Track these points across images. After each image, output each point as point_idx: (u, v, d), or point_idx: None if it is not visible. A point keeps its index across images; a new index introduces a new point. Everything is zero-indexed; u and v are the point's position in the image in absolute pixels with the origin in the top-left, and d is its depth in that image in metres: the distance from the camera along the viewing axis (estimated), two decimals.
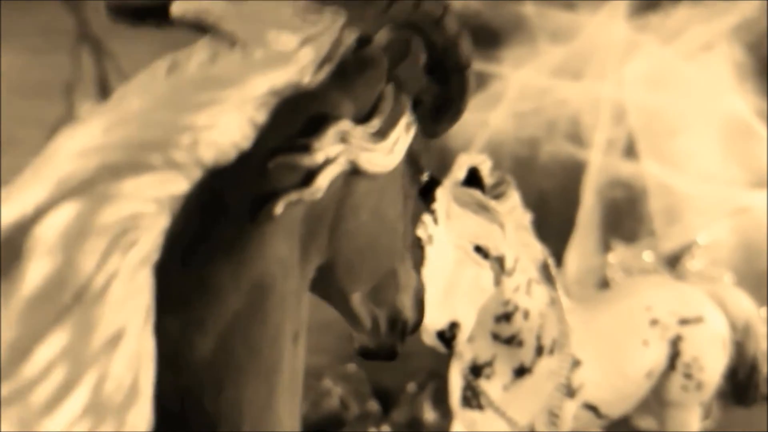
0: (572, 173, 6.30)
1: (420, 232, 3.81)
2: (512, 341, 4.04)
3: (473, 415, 4.09)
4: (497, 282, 3.92)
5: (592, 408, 4.23)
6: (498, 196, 3.96)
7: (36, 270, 1.04)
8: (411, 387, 6.22)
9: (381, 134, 1.34)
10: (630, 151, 6.28)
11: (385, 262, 1.46)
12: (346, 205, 1.34)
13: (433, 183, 3.88)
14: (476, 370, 4.07)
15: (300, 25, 1.27)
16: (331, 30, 1.28)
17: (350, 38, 1.31)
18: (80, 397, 1.03)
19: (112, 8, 1.39)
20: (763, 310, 5.06)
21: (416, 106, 1.44)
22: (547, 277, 4.16)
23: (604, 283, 5.17)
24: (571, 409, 4.14)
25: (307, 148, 1.25)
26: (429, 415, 6.11)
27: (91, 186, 1.10)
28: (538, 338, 4.06)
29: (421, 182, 1.52)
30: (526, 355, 4.05)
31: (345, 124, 1.29)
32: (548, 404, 4.08)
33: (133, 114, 1.18)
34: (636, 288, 4.72)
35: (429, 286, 3.78)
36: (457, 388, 4.14)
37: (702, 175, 6.04)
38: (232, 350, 1.22)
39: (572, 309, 4.21)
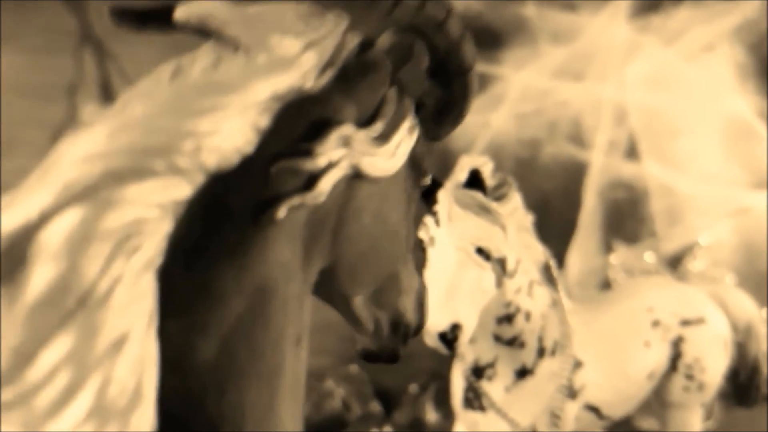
0: (574, 174, 6.30)
1: (422, 234, 3.81)
2: (514, 343, 4.04)
3: (475, 416, 4.10)
4: (499, 283, 3.92)
5: (593, 409, 4.24)
6: (499, 198, 3.97)
7: (40, 275, 1.05)
8: (413, 388, 6.22)
9: (383, 138, 1.34)
10: (631, 152, 6.28)
11: (387, 266, 1.46)
12: (349, 209, 1.34)
13: (435, 185, 3.90)
14: (478, 372, 4.07)
15: (303, 30, 1.28)
16: (333, 34, 1.29)
17: (353, 42, 1.31)
18: (84, 400, 1.04)
19: (115, 12, 1.39)
20: (765, 310, 5.06)
21: (419, 110, 1.44)
22: (549, 278, 4.16)
23: (606, 284, 5.17)
24: (572, 410, 4.15)
25: (309, 153, 1.25)
26: (431, 416, 6.12)
27: (95, 191, 1.10)
28: (540, 340, 4.06)
29: (424, 186, 1.52)
30: (527, 356, 4.06)
31: (347, 129, 1.29)
32: (550, 405, 4.09)
33: (137, 120, 1.19)
34: (637, 289, 4.72)
35: (431, 288, 3.79)
36: (458, 390, 4.14)
37: (703, 176, 6.04)
38: (235, 353, 1.23)
39: (574, 310, 4.21)
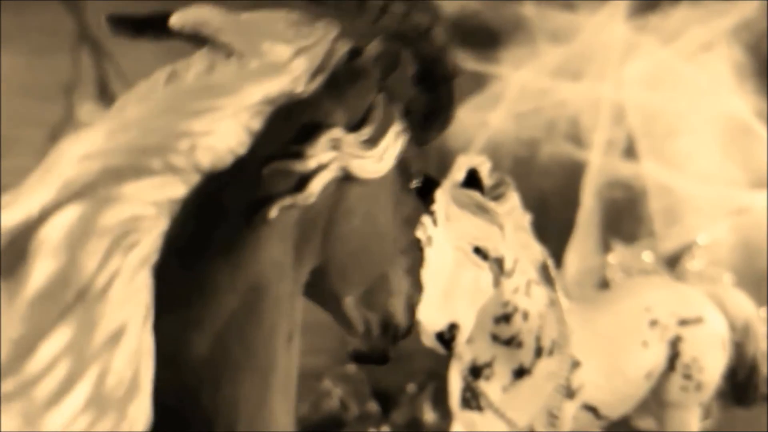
0: (572, 174, 6.30)
1: (419, 234, 3.80)
2: (511, 342, 4.04)
3: (473, 416, 4.10)
4: (496, 283, 3.92)
5: (591, 409, 4.24)
6: (497, 198, 3.96)
7: (40, 269, 1.10)
8: (411, 388, 6.23)
9: (372, 142, 1.39)
10: (629, 151, 6.28)
11: (376, 267, 1.50)
12: (339, 210, 1.38)
13: (432, 184, 3.89)
14: (476, 372, 4.07)
15: (293, 37, 1.33)
16: (323, 42, 1.35)
17: (342, 50, 1.37)
18: (82, 391, 1.08)
19: (112, 20, 1.44)
20: (763, 310, 5.06)
21: (406, 115, 1.48)
22: (547, 278, 4.16)
23: (604, 284, 5.17)
24: (570, 410, 4.14)
25: (300, 155, 1.30)
26: (428, 415, 6.12)
27: (94, 189, 1.15)
28: (538, 339, 4.06)
29: (413, 189, 1.56)
30: (525, 356, 4.06)
31: (337, 132, 1.34)
32: (548, 405, 4.08)
33: (134, 120, 1.24)
34: (635, 289, 4.73)
35: (428, 288, 3.79)
36: (456, 390, 4.14)
37: (701, 176, 6.04)
38: (229, 349, 1.27)
39: (572, 310, 4.21)
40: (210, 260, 1.26)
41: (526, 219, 4.11)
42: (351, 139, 1.35)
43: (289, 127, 1.31)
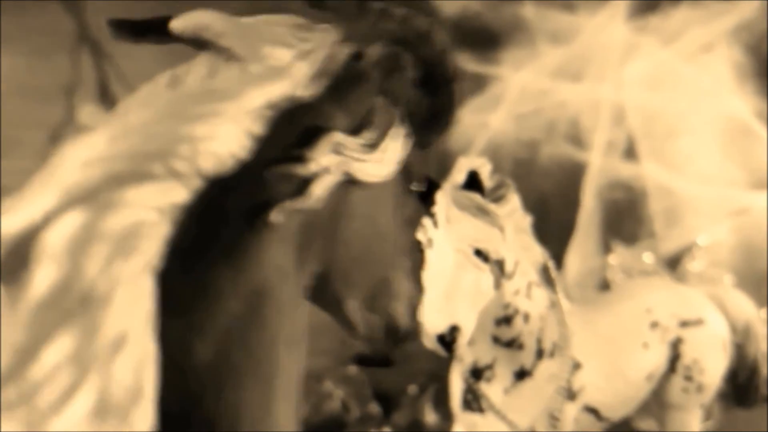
0: (572, 175, 6.30)
1: (420, 236, 3.80)
2: (512, 344, 4.04)
3: (474, 418, 4.09)
4: (497, 285, 3.92)
5: (592, 411, 4.23)
6: (498, 200, 3.96)
7: (43, 275, 1.09)
8: (412, 389, 6.22)
9: (373, 145, 1.39)
10: (630, 152, 6.28)
11: (379, 270, 1.50)
12: (341, 214, 1.38)
13: (433, 186, 3.89)
14: (477, 374, 4.07)
15: (294, 42, 1.34)
16: (324, 46, 1.35)
17: (343, 53, 1.37)
18: (85, 398, 1.08)
19: (113, 25, 1.44)
20: (764, 311, 5.06)
21: (407, 118, 1.48)
22: (548, 279, 4.16)
23: (605, 285, 5.17)
24: (571, 411, 4.14)
25: (302, 159, 1.30)
26: (430, 417, 6.11)
27: (96, 195, 1.15)
28: (539, 341, 4.06)
29: (414, 192, 1.57)
30: (526, 358, 4.06)
31: (338, 136, 1.34)
32: (549, 407, 4.08)
33: (136, 125, 1.24)
34: (636, 290, 4.72)
35: (429, 290, 3.80)
36: (457, 391, 4.14)
37: (702, 177, 6.04)
38: (232, 354, 1.27)
39: (572, 311, 4.21)
40: (212, 265, 1.27)
41: (526, 221, 4.11)
42: (352, 143, 1.35)
43: (291, 131, 1.31)
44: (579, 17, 6.22)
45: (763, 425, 5.09)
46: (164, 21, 1.39)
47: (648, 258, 5.27)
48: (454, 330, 3.80)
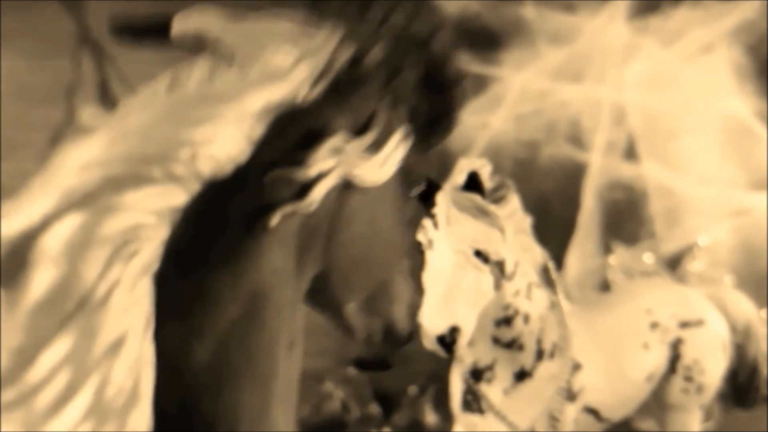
0: (573, 175, 6.29)
1: (420, 237, 3.81)
2: (513, 345, 4.04)
3: (474, 418, 4.10)
4: (497, 286, 3.92)
5: (592, 411, 4.24)
6: (498, 201, 3.97)
7: (41, 278, 1.10)
8: (412, 390, 6.22)
9: (375, 148, 1.38)
10: (630, 153, 6.27)
11: (378, 273, 1.50)
12: (341, 217, 1.38)
13: (434, 187, 3.90)
14: (477, 374, 4.07)
15: (295, 44, 1.33)
16: (325, 48, 1.34)
17: (345, 55, 1.35)
18: (83, 400, 1.08)
19: (116, 28, 1.44)
20: (764, 311, 5.06)
21: (409, 121, 1.47)
22: (548, 280, 4.16)
23: (605, 286, 5.16)
24: (571, 412, 4.15)
25: (302, 162, 1.30)
26: (430, 418, 6.11)
27: (95, 198, 1.15)
28: (539, 342, 4.06)
29: (415, 195, 1.56)
30: (526, 359, 4.06)
31: (339, 139, 1.33)
32: (549, 408, 4.09)
33: (135, 129, 1.24)
34: (636, 291, 4.73)
35: (429, 291, 3.81)
36: (457, 392, 4.14)
37: (702, 177, 6.03)
38: (230, 356, 1.28)
39: (572, 312, 4.21)
40: (211, 268, 1.27)
41: (526, 222, 4.12)
42: (353, 146, 1.35)
43: (291, 135, 1.31)
44: (579, 18, 6.21)
45: (763, 425, 5.09)
46: (165, 24, 1.39)
47: (648, 258, 5.26)
48: (454, 331, 3.80)
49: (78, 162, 1.19)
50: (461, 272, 3.82)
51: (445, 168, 4.10)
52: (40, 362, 1.07)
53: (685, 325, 4.50)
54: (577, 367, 4.15)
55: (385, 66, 1.41)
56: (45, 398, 1.06)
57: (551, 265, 4.24)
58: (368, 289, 1.50)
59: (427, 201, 3.83)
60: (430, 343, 3.83)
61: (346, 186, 1.37)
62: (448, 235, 3.79)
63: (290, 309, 1.35)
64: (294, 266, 1.34)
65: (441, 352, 3.90)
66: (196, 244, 1.26)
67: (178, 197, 1.21)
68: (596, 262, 5.74)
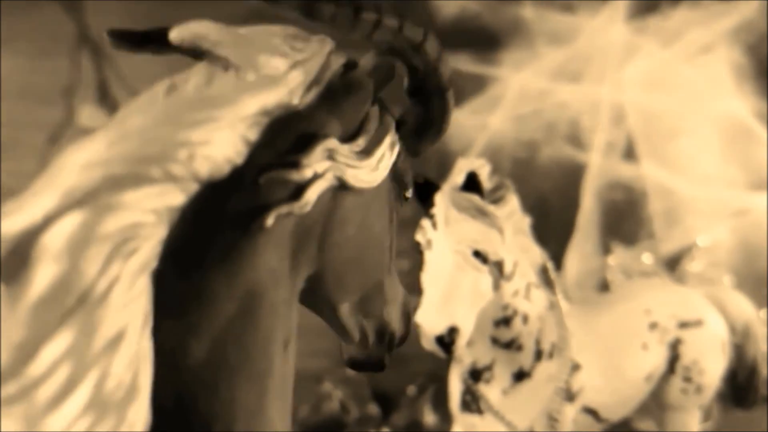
0: (572, 175, 6.30)
1: (419, 237, 3.82)
2: (511, 345, 4.04)
3: (473, 419, 4.10)
4: (496, 286, 3.92)
5: (591, 412, 4.24)
6: (497, 201, 3.97)
7: (43, 275, 1.12)
8: (411, 390, 6.23)
9: (366, 152, 1.42)
10: (629, 153, 6.28)
11: (372, 274, 1.53)
12: (334, 219, 1.42)
13: (432, 188, 3.91)
14: (476, 375, 4.07)
15: (290, 51, 1.37)
16: (319, 55, 1.38)
17: (337, 63, 1.41)
18: (83, 394, 1.11)
19: (114, 36, 1.46)
20: (763, 312, 5.06)
21: (400, 127, 1.52)
22: (546, 281, 4.16)
23: (604, 286, 5.17)
24: (570, 413, 4.15)
25: (296, 165, 1.33)
26: (429, 418, 6.12)
27: (95, 197, 1.17)
28: (538, 342, 4.06)
29: (407, 198, 1.60)
30: (525, 359, 4.06)
31: (332, 143, 1.37)
32: (548, 408, 4.09)
33: (134, 130, 1.26)
34: (635, 291, 4.72)
35: (428, 291, 3.82)
36: (456, 392, 4.14)
37: (701, 177, 6.03)
38: (226, 354, 1.31)
39: (571, 312, 4.21)
40: (207, 267, 1.30)
41: (525, 222, 4.11)
42: (346, 150, 1.39)
43: (286, 138, 1.34)
44: (578, 18, 6.22)
45: (763, 426, 5.09)
46: (163, 31, 1.42)
47: (647, 259, 5.27)
48: (452, 331, 3.80)
49: (79, 162, 1.21)
50: (460, 273, 3.82)
51: (444, 168, 4.10)
52: (41, 357, 1.08)
53: (684, 325, 4.50)
54: (575, 367, 4.15)
55: (376, 73, 1.46)
56: (46, 392, 1.08)
57: (550, 265, 4.24)
58: (362, 290, 1.53)
59: (425, 201, 3.85)
60: (428, 343, 3.83)
61: (340, 188, 1.40)
62: (447, 235, 3.80)
63: (285, 308, 1.38)
64: (289, 266, 1.37)
65: (440, 352, 3.90)
66: (193, 244, 1.28)
67: (177, 197, 1.23)
68: (595, 262, 5.75)
